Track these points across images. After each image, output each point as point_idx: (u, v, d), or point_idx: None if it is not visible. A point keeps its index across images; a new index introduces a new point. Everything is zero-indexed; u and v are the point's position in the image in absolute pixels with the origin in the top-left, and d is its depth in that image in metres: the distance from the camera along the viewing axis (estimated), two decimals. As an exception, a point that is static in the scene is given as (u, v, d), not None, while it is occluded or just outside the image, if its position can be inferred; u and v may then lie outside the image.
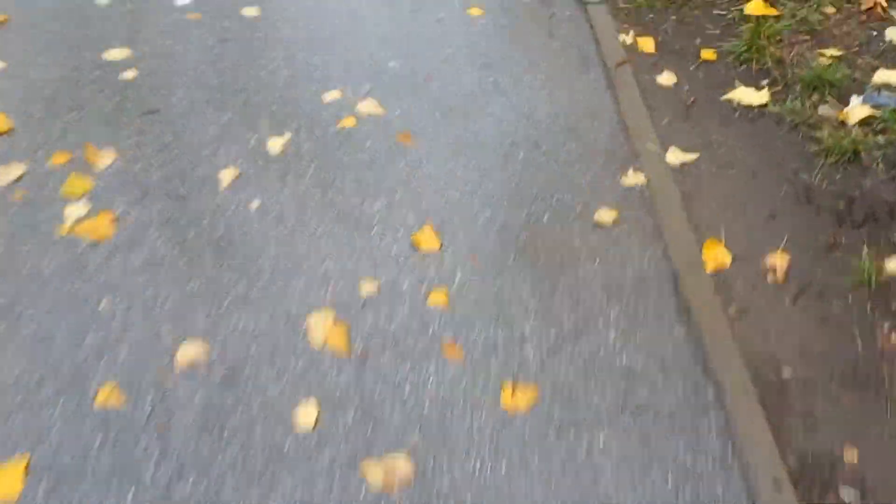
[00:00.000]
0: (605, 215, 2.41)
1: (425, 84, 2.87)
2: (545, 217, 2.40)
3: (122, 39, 3.00)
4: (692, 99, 2.77)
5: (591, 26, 3.14)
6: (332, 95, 2.80)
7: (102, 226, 2.29)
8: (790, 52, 2.81)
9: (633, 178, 2.52)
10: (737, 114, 2.70)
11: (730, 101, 2.74)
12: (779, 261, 2.27)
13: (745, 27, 2.91)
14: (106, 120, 2.66)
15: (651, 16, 3.14)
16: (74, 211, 2.34)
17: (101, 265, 2.20)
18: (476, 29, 3.12)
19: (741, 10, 3.01)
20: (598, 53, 3.02)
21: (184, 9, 3.17)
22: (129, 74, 2.85)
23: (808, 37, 2.85)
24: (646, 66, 2.94)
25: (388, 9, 3.20)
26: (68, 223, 2.31)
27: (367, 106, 2.76)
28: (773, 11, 2.94)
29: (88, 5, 3.16)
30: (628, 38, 3.05)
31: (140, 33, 3.04)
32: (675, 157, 2.59)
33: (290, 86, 2.83)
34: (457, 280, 2.21)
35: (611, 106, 2.79)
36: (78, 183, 2.42)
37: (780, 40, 2.85)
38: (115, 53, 2.93)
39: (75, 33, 3.03)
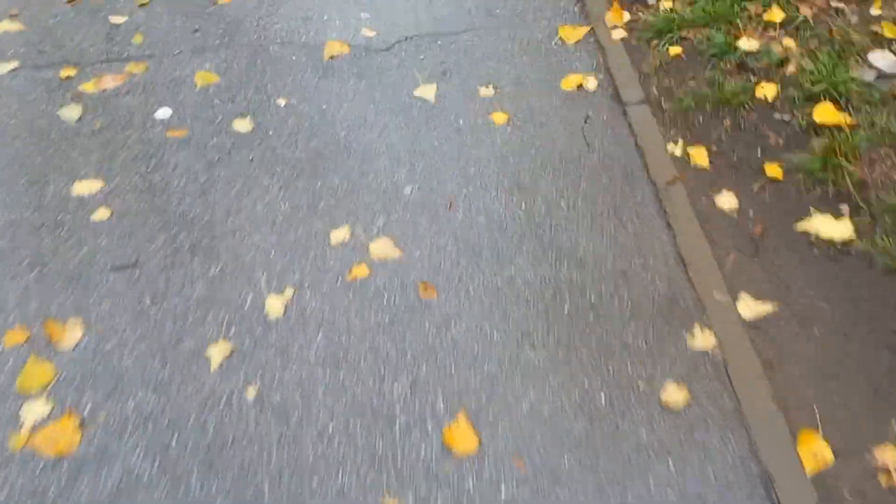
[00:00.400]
0: (674, 393, 2.05)
1: (447, 214, 2.52)
2: (602, 397, 2.04)
3: (92, 166, 2.65)
4: (760, 229, 2.42)
5: (633, 133, 2.80)
6: (339, 235, 2.44)
7: (66, 433, 1.92)
8: (872, 172, 2.47)
9: (702, 339, 2.17)
10: (816, 250, 2.35)
11: (806, 234, 2.39)
12: (890, 458, 1.90)
13: (816, 141, 2.57)
14: (72, 279, 2.30)
15: (700, 119, 2.80)
16: (33, 410, 1.98)
17: (65, 491, 1.83)
18: (502, 139, 2.78)
19: (808, 114, 2.67)
20: (645, 168, 2.68)
21: (165, 123, 2.82)
22: (101, 214, 2.49)
23: (891, 151, 2.51)
24: (701, 185, 2.59)
25: (399, 117, 2.86)
26: (25, 430, 1.94)
27: (382, 247, 2.41)
28: (846, 120, 2.60)
29: (54, 122, 2.81)
30: (677, 149, 2.70)
31: (114, 157, 2.69)
32: (748, 308, 2.23)
33: (291, 224, 2.48)
34: (502, 497, 1.85)
35: (665, 238, 2.44)
36: (37, 371, 2.05)
37: (859, 156, 2.51)
38: (85, 186, 2.58)
39: (38, 159, 2.68)
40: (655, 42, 3.13)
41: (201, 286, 2.29)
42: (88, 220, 2.48)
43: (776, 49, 2.93)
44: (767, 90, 2.81)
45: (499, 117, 2.87)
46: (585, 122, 2.86)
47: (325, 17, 3.32)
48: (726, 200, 2.54)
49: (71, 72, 3.02)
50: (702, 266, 2.37)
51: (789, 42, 2.96)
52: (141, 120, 2.84)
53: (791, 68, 2.87)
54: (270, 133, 2.80)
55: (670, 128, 2.80)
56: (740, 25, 3.04)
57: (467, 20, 3.32)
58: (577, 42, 3.22)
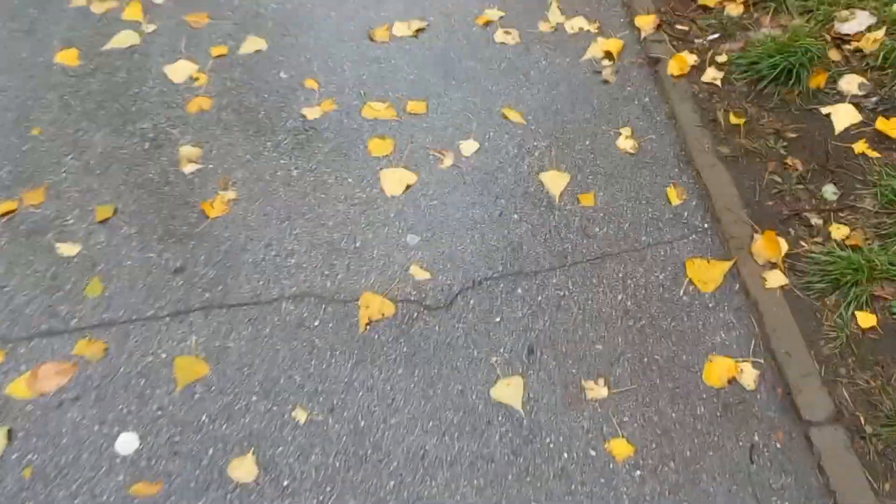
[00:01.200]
0: None
1: None
2: None
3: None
4: None
5: (830, 487, 1.89)
6: None
7: None
8: None
9: None
10: None
11: None
12: None
13: None
14: None
15: (929, 461, 1.90)
16: None
17: None
18: (632, 502, 1.88)
19: None
20: (857, 565, 1.79)
21: (128, 465, 1.92)
22: None
23: None
24: None
25: (473, 447, 1.96)
26: None
27: None
28: None
29: (-32, 468, 1.93)
30: (903, 525, 1.81)
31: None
32: None
33: None
34: None
35: None
36: None
37: None
38: None
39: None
40: (834, 299, 2.22)
41: None
42: None
43: None
44: None
45: (620, 448, 1.97)
46: (752, 458, 1.96)
47: (358, 244, 2.40)
48: None
49: (-3, 357, 2.14)
50: None
51: None
52: (93, 459, 1.94)
53: None
54: (285, 485, 1.91)
55: (884, 477, 1.90)
56: (966, 288, 2.14)
57: (557, 246, 2.40)
58: (715, 289, 2.30)
